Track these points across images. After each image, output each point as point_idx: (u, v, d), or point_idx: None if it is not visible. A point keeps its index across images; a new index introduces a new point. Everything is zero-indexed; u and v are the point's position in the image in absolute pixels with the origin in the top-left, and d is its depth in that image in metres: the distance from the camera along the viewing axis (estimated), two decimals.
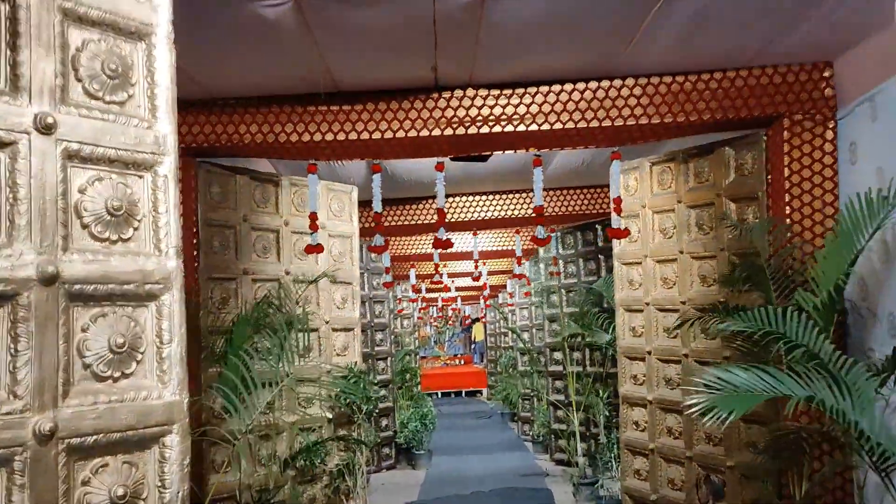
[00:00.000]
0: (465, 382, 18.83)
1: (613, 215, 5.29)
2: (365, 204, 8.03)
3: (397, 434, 8.89)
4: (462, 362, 23.15)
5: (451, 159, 5.07)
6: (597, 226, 8.26)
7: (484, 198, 7.93)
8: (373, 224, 4.81)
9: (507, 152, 4.71)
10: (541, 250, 8.94)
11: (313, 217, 4.66)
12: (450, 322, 22.66)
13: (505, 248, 10.32)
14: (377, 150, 4.63)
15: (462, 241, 10.30)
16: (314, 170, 4.70)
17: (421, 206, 7.93)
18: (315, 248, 4.66)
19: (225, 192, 5.00)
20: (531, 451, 9.81)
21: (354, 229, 5.82)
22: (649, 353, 5.42)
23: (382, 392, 8.87)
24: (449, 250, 10.34)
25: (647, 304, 5.44)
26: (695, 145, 5.09)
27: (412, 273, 10.63)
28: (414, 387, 11.57)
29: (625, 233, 4.65)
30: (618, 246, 5.75)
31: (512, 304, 12.63)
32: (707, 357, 4.97)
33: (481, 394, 18.49)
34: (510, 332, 13.65)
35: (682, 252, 5.16)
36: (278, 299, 5.08)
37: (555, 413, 8.88)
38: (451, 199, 7.92)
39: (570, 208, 7.90)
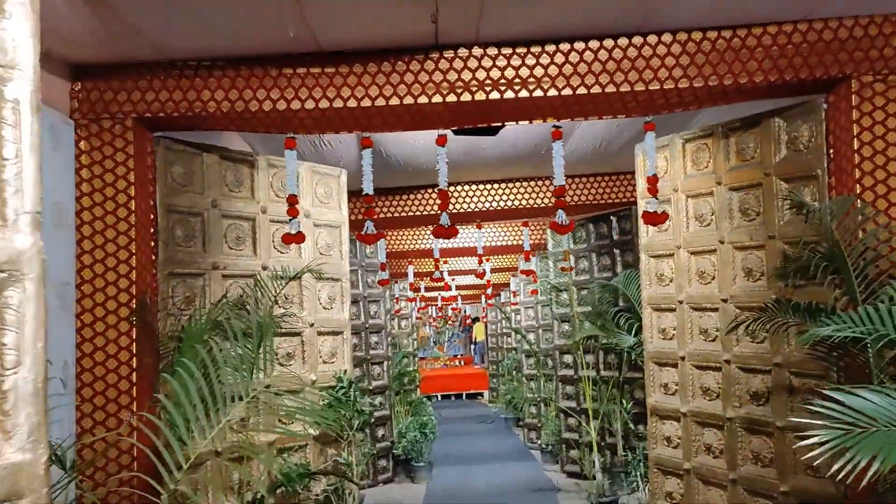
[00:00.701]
0: (465, 385, 18.08)
1: (641, 203, 4.57)
2: (357, 193, 7.31)
3: (395, 445, 8.16)
4: (462, 363, 22.43)
5: (455, 132, 4.33)
6: (612, 217, 7.52)
7: (489, 186, 7.19)
8: (364, 211, 4.06)
9: (519, 123, 3.97)
10: (549, 244, 8.20)
11: (292, 200, 3.92)
12: (450, 322, 21.89)
13: (510, 243, 9.58)
14: (367, 121, 3.88)
15: (464, 237, 9.57)
16: (292, 145, 3.95)
17: (419, 195, 7.19)
18: (294, 238, 3.92)
19: (190, 174, 4.25)
20: (539, 461, 9.07)
21: (343, 218, 5.07)
22: (683, 358, 4.69)
23: (378, 399, 8.13)
24: (450, 244, 9.63)
25: (680, 302, 4.71)
26: (737, 117, 4.35)
27: (410, 270, 9.88)
28: (413, 391, 10.83)
29: (662, 217, 3.90)
30: (645, 236, 5.01)
31: (516, 304, 11.88)
32: (755, 364, 4.23)
33: (482, 396, 17.74)
34: (514, 333, 12.91)
35: (722, 242, 4.42)
36: (255, 298, 4.34)
37: (565, 421, 8.14)
38: (452, 189, 7.19)
39: (582, 198, 7.16)
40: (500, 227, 9.58)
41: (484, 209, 7.16)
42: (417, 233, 9.48)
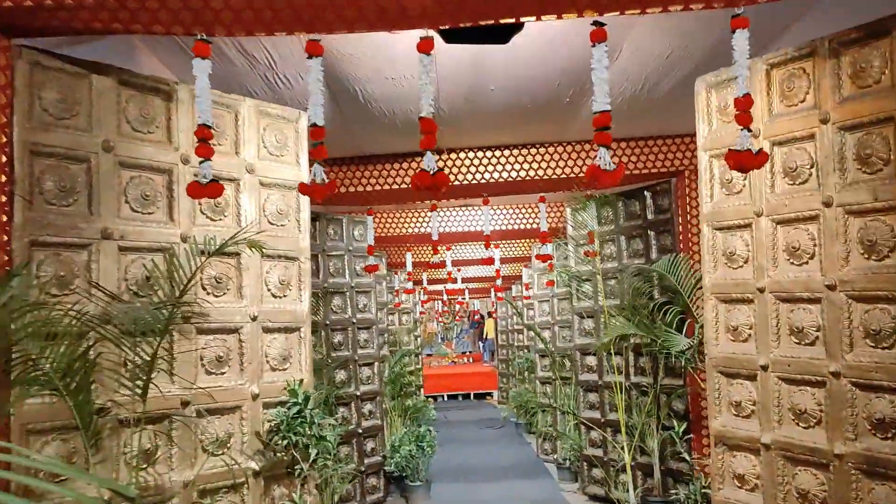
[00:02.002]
0: (473, 384, 16.74)
1: (704, 159, 3.25)
2: (341, 161, 5.99)
3: (386, 460, 6.85)
4: (471, 360, 21.11)
5: (447, 38, 3.00)
6: (645, 193, 6.17)
7: (498, 153, 5.85)
8: (312, 150, 2.73)
9: (542, 20, 2.62)
10: (570, 226, 6.85)
11: (202, 134, 2.60)
12: (457, 317, 20.50)
13: (522, 226, 8.22)
14: (313, 15, 2.56)
15: (470, 219, 8.23)
16: (205, 51, 2.62)
17: (415, 164, 5.86)
18: (205, 190, 2.61)
19: (70, 103, 2.94)
20: (555, 478, 7.73)
21: (302, 176, 3.74)
22: (765, 368, 3.33)
23: (368, 407, 6.82)
24: (453, 226, 8.29)
25: (761, 290, 3.35)
26: (854, 26, 2.99)
27: (408, 258, 8.55)
28: (412, 395, 9.51)
29: (760, 158, 2.55)
30: (707, 202, 3.64)
31: (529, 297, 10.53)
32: (880, 378, 2.87)
33: (491, 396, 16.39)
34: (526, 331, 11.56)
35: (827, 204, 3.07)
36: (171, 280, 3.05)
37: (587, 434, 6.80)
38: (454, 155, 5.86)
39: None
40: (512, 208, 8.23)
41: (492, 181, 5.82)
42: (416, 213, 8.15)
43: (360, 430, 6.64)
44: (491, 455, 9.39)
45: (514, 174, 5.83)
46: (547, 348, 8.26)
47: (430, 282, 12.34)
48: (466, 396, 16.68)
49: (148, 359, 2.75)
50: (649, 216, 6.14)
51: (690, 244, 5.51)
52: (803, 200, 3.17)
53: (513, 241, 10.10)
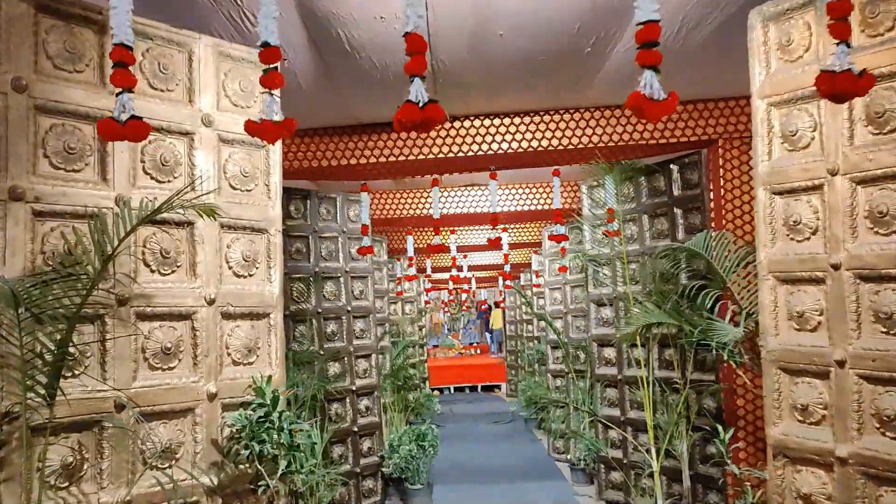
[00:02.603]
0: (480, 376, 16.10)
1: (761, 109, 2.61)
2: (329, 131, 5.32)
3: (384, 460, 6.23)
4: (479, 351, 20.49)
5: None
6: (672, 166, 5.49)
7: (508, 120, 5.19)
8: (264, 76, 2.08)
9: None
10: (585, 206, 6.18)
11: (118, 57, 1.95)
12: (464, 307, 19.84)
13: (531, 207, 7.56)
14: None
15: (475, 199, 7.58)
16: None
17: (405, 134, 5.21)
18: (124, 130, 1.96)
19: None
20: (568, 480, 7.09)
21: None
22: (841, 363, 2.67)
23: (364, 402, 6.20)
24: (459, 207, 7.63)
25: (835, 266, 2.69)
26: None
27: (409, 241, 7.90)
28: (414, 390, 8.92)
29: (865, 82, 1.87)
30: (764, 162, 2.97)
31: (539, 285, 9.88)
32: None
33: (499, 389, 15.78)
34: (535, 321, 10.92)
35: None
36: (100, 253, 2.42)
37: (605, 434, 6.16)
38: (458, 123, 5.20)
39: (628, 136, 5.14)
40: (521, 188, 7.57)
41: (500, 152, 5.16)
42: (417, 193, 7.51)
43: (356, 428, 6.02)
44: (498, 453, 8.76)
45: (524, 144, 5.17)
46: (560, 339, 7.61)
47: (435, 269, 11.70)
48: (473, 389, 16.07)
49: (54, 349, 2.12)
50: (676, 192, 5.47)
51: (726, 222, 4.84)
52: (894, 153, 2.50)
53: (521, 226, 9.44)
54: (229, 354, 2.87)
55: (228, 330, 2.89)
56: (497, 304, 18.65)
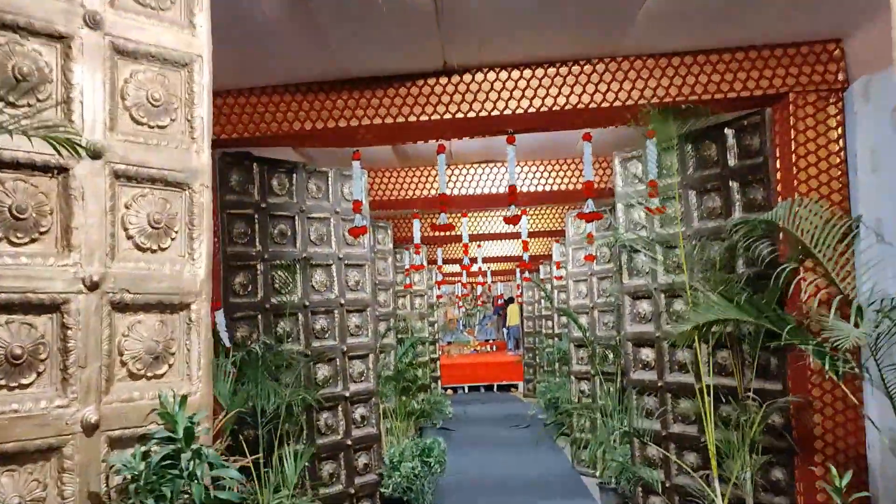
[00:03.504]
0: (496, 375, 15.15)
1: None
2: (315, 87, 4.30)
3: (383, 480, 5.31)
4: (495, 348, 19.53)
5: None
6: (726, 131, 4.49)
7: (528, 73, 4.22)
8: None
9: None
10: (618, 179, 5.19)
11: None
12: (479, 302, 18.81)
13: (554, 186, 6.58)
14: None
15: (489, 177, 6.63)
16: None
17: (405, 90, 4.27)
18: None
19: None
20: (598, 501, 6.12)
21: (201, 45, 2.16)
22: None
23: (360, 411, 5.26)
24: (470, 187, 6.67)
25: None
26: None
27: (416, 226, 6.94)
28: (422, 392, 8.00)
29: None
30: None
31: (561, 277, 8.90)
32: None
33: (516, 388, 14.81)
34: (556, 316, 9.93)
35: None
36: None
37: (642, 451, 5.17)
38: (468, 76, 4.24)
39: (667, 94, 4.16)
40: (542, 165, 6.59)
41: (519, 111, 4.19)
42: (423, 170, 6.55)
43: (350, 442, 5.10)
44: (516, 464, 7.79)
45: (548, 102, 4.19)
46: (586, 338, 6.64)
47: (447, 261, 10.74)
48: (489, 388, 15.12)
49: None
50: (731, 162, 4.46)
51: (799, 195, 3.84)
52: None
53: (542, 212, 8.45)
54: (124, 364, 1.94)
55: (124, 328, 1.95)
56: (513, 299, 17.65)
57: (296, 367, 4.59)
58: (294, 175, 4.99)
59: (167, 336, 2.05)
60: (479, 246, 9.46)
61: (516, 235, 7.77)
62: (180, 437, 1.87)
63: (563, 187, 6.50)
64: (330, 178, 5.22)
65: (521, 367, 14.17)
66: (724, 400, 4.34)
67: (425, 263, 9.30)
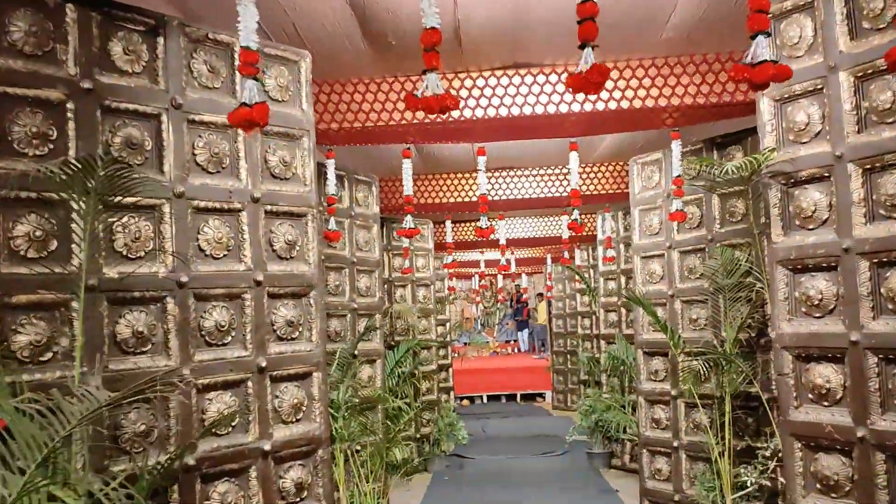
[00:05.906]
0: (520, 382, 12.66)
1: None
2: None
3: None
4: (517, 350, 17.06)
5: None
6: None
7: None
8: None
9: None
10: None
11: None
12: (500, 298, 16.18)
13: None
14: None
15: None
16: None
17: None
18: None
19: None
20: None
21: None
22: None
23: (293, 474, 2.84)
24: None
25: None
26: None
27: (407, 169, 4.47)
28: (422, 413, 5.62)
29: None
30: None
31: (612, 258, 6.43)
32: None
33: (542, 398, 12.28)
34: (597, 313, 7.39)
35: None
36: None
37: None
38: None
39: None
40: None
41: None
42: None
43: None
44: None
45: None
46: (673, 343, 4.16)
47: (460, 245, 8.28)
48: (511, 397, 12.62)
49: None
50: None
51: None
52: None
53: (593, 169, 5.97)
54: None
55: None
56: (542, 295, 15.12)
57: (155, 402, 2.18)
58: (161, 39, 2.58)
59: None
60: (500, 217, 6.95)
61: (559, 202, 5.33)
62: None
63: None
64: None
65: (549, 373, 11.61)
66: None
67: (431, 242, 6.86)
